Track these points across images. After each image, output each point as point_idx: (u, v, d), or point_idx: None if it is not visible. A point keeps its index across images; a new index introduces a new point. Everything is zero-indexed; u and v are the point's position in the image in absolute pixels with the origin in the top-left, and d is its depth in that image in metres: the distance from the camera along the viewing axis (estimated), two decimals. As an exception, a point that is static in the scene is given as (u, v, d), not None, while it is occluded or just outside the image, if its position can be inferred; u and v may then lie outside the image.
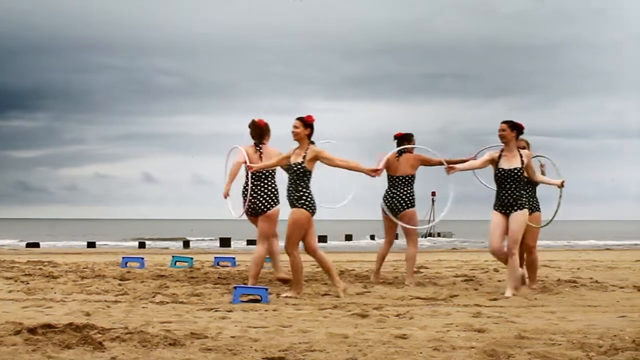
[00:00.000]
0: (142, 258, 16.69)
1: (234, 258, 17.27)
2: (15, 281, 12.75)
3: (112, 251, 31.23)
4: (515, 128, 11.23)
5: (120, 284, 12.39)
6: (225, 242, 41.99)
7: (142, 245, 41.77)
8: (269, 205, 11.91)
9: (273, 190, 11.98)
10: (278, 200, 11.96)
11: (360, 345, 7.18)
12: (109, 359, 6.56)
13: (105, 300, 10.44)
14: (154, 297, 10.77)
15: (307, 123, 11.01)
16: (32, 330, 7.32)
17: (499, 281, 13.42)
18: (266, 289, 10.56)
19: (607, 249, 34.29)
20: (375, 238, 50.35)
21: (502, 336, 7.58)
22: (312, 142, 10.99)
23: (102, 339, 7.15)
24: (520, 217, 11.18)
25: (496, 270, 15.68)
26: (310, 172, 10.92)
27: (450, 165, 11.49)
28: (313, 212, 10.95)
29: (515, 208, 11.16)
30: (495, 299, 10.82)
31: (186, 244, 43.11)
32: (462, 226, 78.31)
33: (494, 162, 11.26)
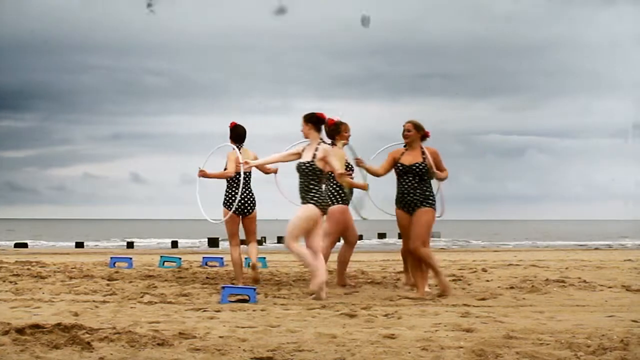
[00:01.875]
0: (130, 258, 16.68)
1: (222, 258, 17.26)
2: (4, 281, 12.73)
3: (101, 251, 31.19)
4: (311, 121, 10.99)
5: (108, 284, 12.38)
6: (213, 242, 41.91)
7: (130, 245, 41.67)
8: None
9: (331, 190, 11.88)
10: (336, 201, 11.86)
11: (349, 345, 7.18)
12: (97, 359, 6.55)
13: (94, 301, 10.43)
14: (142, 297, 10.76)
15: (230, 129, 12.25)
16: (20, 331, 7.30)
17: (487, 281, 13.45)
18: (254, 289, 10.56)
19: (596, 249, 34.37)
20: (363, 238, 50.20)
21: (491, 336, 7.59)
22: (235, 147, 12.19)
23: (91, 339, 7.13)
24: (299, 212, 10.80)
25: (484, 270, 15.71)
26: (237, 174, 12.03)
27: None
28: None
29: (303, 202, 10.84)
30: (483, 299, 10.83)
31: (174, 243, 43.02)
32: (450, 226, 78.48)
33: (300, 156, 11.06)
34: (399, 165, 11.17)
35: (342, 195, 11.83)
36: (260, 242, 44.91)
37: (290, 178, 11.72)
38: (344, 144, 11.85)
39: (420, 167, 11.07)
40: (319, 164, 10.79)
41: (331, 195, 11.81)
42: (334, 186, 11.81)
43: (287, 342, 7.31)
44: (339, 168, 10.81)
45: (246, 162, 11.63)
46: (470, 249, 35.30)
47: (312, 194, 10.78)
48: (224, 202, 12.21)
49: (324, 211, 10.89)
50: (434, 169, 11.13)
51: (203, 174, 12.26)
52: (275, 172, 12.23)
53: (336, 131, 11.87)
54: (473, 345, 7.03)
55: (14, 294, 11.11)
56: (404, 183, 11.15)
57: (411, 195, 11.08)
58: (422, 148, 11.22)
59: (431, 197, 11.13)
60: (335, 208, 11.77)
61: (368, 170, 11.40)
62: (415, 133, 11.21)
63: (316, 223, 10.82)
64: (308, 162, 10.82)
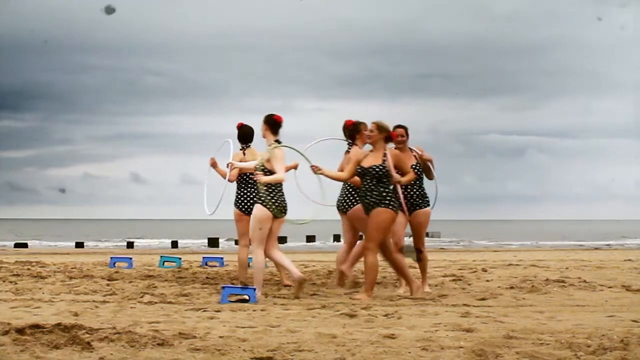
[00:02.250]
0: (130, 258, 16.67)
1: (222, 258, 17.26)
2: (4, 281, 12.72)
3: (100, 251, 31.19)
4: (268, 123, 11.17)
5: (108, 284, 12.38)
6: (213, 242, 41.92)
7: (130, 245, 41.67)
8: (347, 206, 11.88)
9: (350, 191, 11.91)
10: (355, 202, 11.78)
11: (349, 345, 7.18)
12: (97, 359, 6.55)
13: (94, 301, 10.43)
14: (142, 297, 10.76)
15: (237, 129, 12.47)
16: (20, 331, 7.30)
17: (487, 281, 13.44)
18: (254, 289, 10.55)
19: (596, 249, 34.37)
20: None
21: (491, 336, 7.58)
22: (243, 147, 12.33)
23: (91, 339, 7.13)
24: (253, 213, 11.08)
25: (484, 270, 15.70)
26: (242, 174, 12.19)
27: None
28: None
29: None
30: (483, 299, 10.83)
31: (174, 243, 43.01)
32: (449, 226, 78.55)
33: None
34: (358, 167, 11.01)
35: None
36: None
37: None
38: (364, 144, 11.82)
39: (377, 169, 10.81)
40: (267, 166, 10.93)
41: (351, 198, 11.83)
42: (352, 188, 11.80)
43: (287, 342, 7.31)
44: (277, 169, 10.91)
45: (231, 164, 11.73)
46: (470, 249, 35.27)
47: (259, 195, 10.96)
48: (234, 202, 12.24)
49: (272, 212, 10.92)
50: (393, 172, 10.85)
51: (213, 163, 12.20)
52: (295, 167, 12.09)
53: (355, 131, 11.83)
54: (473, 345, 7.02)
55: (14, 294, 11.11)
56: (362, 185, 10.98)
57: (368, 197, 10.90)
58: (384, 150, 10.96)
59: (388, 199, 10.83)
60: (357, 208, 11.75)
61: (328, 176, 11.32)
62: (378, 134, 10.94)
63: (271, 223, 10.99)
64: (259, 164, 11.02)
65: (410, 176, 11.02)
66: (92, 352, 6.75)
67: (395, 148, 11.35)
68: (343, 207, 11.77)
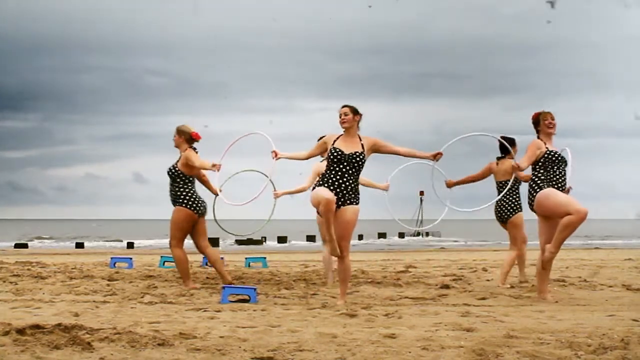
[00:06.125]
0: (131, 258, 16.69)
1: (222, 258, 17.25)
2: (4, 282, 12.73)
3: (101, 252, 31.19)
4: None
5: (108, 285, 12.38)
6: (213, 242, 41.93)
7: (130, 245, 41.67)
8: (512, 212, 12.50)
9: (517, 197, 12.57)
10: (520, 208, 12.57)
11: (349, 344, 7.17)
12: (97, 359, 6.56)
13: (94, 301, 10.43)
14: (142, 297, 10.77)
15: None
16: (20, 331, 7.30)
17: (488, 280, 13.44)
18: (254, 289, 10.55)
19: (596, 248, 34.36)
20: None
21: (491, 335, 7.58)
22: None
23: (91, 339, 7.13)
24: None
25: (485, 270, 15.70)
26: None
27: None
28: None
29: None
30: (484, 298, 10.83)
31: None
32: (450, 226, 78.50)
33: None
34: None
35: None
36: (260, 242, 44.95)
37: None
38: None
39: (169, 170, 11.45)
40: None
41: (512, 203, 12.49)
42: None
43: (288, 342, 7.31)
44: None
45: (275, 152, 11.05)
46: (470, 249, 35.28)
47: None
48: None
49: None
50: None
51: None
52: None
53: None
54: (473, 345, 7.02)
55: (15, 295, 11.11)
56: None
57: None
58: (184, 150, 11.36)
59: (181, 198, 11.89)
60: (518, 215, 12.65)
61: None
62: (178, 138, 12.09)
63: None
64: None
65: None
66: (92, 352, 6.75)
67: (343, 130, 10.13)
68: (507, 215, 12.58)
